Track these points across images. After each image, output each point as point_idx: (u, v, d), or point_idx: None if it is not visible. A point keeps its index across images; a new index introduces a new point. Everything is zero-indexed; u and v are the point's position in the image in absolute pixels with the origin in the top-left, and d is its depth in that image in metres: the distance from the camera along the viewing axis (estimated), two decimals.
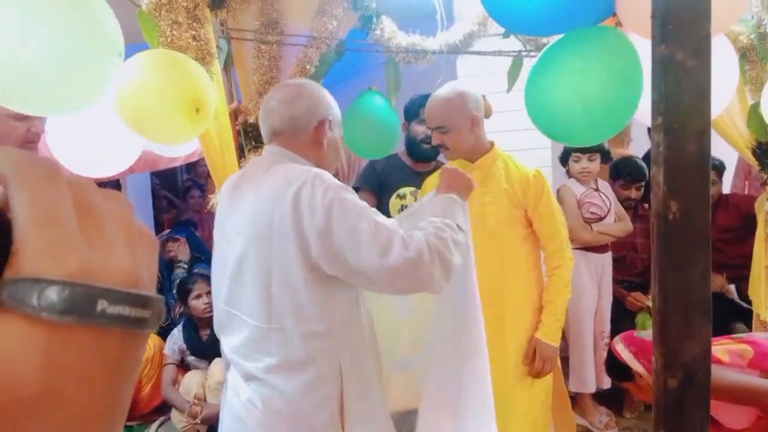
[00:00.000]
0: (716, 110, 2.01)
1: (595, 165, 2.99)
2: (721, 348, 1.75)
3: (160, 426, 3.10)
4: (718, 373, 1.66)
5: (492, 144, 2.24)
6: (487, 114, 2.24)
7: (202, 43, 1.86)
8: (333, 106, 1.53)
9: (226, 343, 1.49)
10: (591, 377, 2.97)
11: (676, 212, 0.86)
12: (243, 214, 1.39)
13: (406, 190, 2.75)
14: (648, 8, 0.92)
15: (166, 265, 3.97)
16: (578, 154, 2.98)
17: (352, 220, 1.28)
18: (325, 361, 1.37)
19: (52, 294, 0.25)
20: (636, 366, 1.81)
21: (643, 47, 1.37)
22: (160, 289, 3.88)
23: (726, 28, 1.97)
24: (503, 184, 2.18)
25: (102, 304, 0.27)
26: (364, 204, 1.35)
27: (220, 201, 1.54)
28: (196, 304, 3.08)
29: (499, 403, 2.14)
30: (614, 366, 1.94)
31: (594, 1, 1.52)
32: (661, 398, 0.90)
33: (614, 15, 1.58)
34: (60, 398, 0.26)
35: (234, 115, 2.22)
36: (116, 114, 1.73)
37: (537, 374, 2.18)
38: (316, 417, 1.37)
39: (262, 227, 1.33)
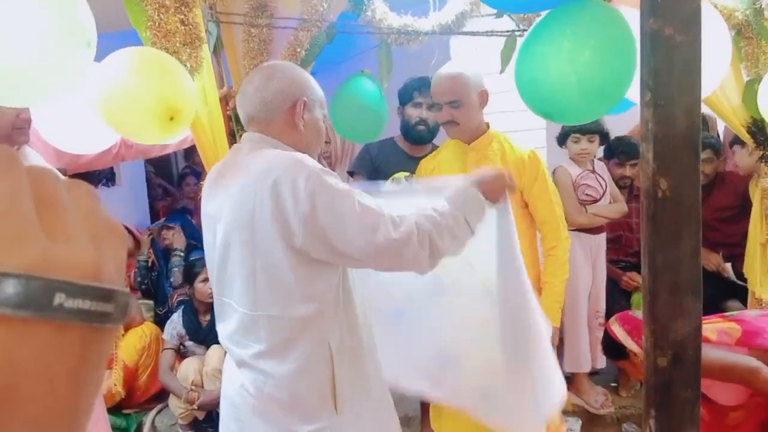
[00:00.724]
0: (709, 87, 1.99)
1: (594, 146, 2.98)
2: (711, 327, 1.76)
3: (158, 413, 3.11)
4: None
5: (488, 125, 2.24)
6: None
7: (190, 27, 1.83)
8: (310, 87, 1.48)
9: (222, 331, 1.50)
10: (586, 357, 2.98)
11: (666, 190, 0.85)
12: (225, 202, 1.38)
13: (401, 175, 2.74)
14: None
15: (163, 254, 3.96)
16: (578, 135, 2.95)
17: (337, 203, 1.28)
18: (314, 344, 1.37)
19: (8, 287, 0.25)
20: (630, 344, 1.81)
21: (635, 21, 1.35)
22: (158, 277, 3.88)
23: None
24: (499, 166, 2.18)
25: (60, 298, 0.26)
26: (347, 187, 1.33)
27: (204, 191, 1.53)
28: (202, 287, 3.09)
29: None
30: (610, 345, 1.95)
31: None
32: (651, 377, 0.90)
33: None
34: (19, 394, 0.25)
35: (225, 100, 2.19)
36: (97, 108, 1.72)
37: None
38: (309, 400, 1.38)
39: (243, 215, 1.32)
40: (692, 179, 0.85)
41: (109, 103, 1.70)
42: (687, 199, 0.86)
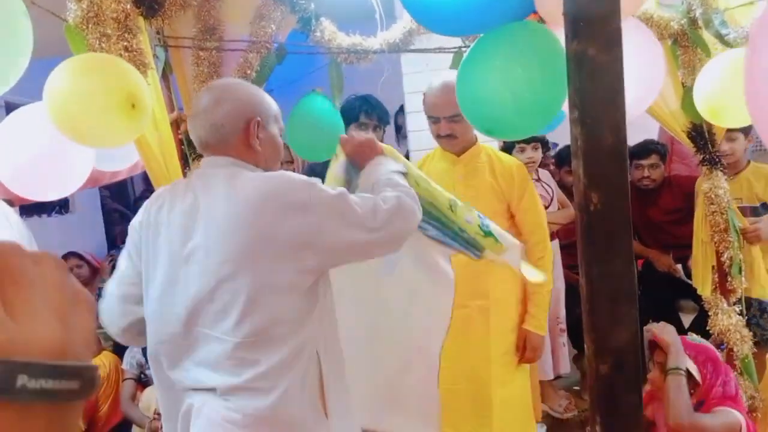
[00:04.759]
0: (648, 99, 2.06)
1: (538, 154, 3.07)
2: None
3: None
4: None
5: (476, 137, 2.26)
6: None
7: (134, 53, 1.81)
8: (262, 103, 1.47)
9: (192, 362, 1.39)
10: (549, 364, 3.02)
11: (597, 203, 0.88)
12: (211, 231, 1.32)
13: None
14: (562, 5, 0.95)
15: None
16: (523, 144, 3.04)
17: (338, 206, 1.34)
18: (307, 353, 1.37)
19: None
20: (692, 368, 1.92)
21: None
22: None
23: (634, 12, 2.01)
24: (488, 178, 2.20)
25: (22, 379, 0.26)
26: (341, 189, 1.40)
27: (152, 219, 1.44)
28: None
29: (482, 391, 2.18)
30: None
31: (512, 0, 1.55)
32: (595, 384, 0.93)
33: (535, 13, 1.61)
34: None
35: (175, 124, 2.18)
36: (52, 123, 1.68)
37: (527, 362, 2.25)
38: (304, 413, 1.36)
39: (241, 243, 1.29)
40: (621, 192, 0.89)
41: (64, 109, 1.65)
42: (618, 211, 0.89)
